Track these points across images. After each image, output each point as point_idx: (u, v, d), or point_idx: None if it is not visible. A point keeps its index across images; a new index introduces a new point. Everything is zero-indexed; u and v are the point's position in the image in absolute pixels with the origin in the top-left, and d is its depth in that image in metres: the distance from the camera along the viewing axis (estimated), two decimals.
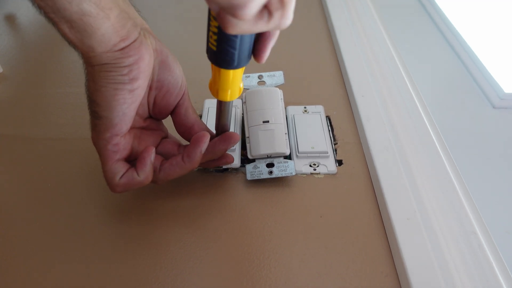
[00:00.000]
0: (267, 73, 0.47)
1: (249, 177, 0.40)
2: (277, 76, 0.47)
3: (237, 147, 0.44)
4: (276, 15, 0.24)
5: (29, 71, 0.57)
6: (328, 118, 0.49)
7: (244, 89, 0.45)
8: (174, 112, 0.36)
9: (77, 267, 0.34)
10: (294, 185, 0.41)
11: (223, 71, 0.30)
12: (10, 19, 0.70)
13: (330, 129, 0.48)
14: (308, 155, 0.43)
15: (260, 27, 0.25)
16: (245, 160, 0.43)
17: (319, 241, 0.36)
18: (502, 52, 0.68)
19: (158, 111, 0.36)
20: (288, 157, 0.42)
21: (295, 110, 0.49)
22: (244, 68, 0.30)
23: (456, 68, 0.67)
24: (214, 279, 0.33)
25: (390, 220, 0.36)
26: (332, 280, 0.33)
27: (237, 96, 0.33)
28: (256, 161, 0.41)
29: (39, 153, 0.44)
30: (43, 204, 0.39)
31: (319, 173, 0.42)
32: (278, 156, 0.41)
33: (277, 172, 0.40)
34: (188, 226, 0.37)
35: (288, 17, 0.25)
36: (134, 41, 0.30)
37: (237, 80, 0.31)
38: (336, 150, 0.45)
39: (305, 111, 0.49)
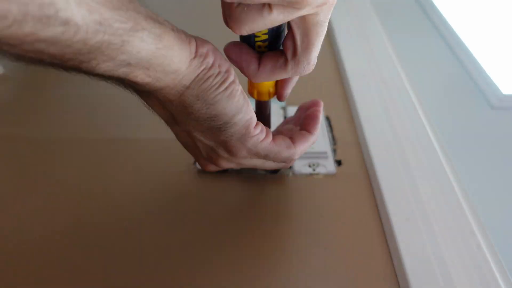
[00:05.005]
0: None
1: None
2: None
3: None
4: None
5: (30, 72, 0.57)
6: (327, 118, 0.49)
7: None
8: None
9: (75, 272, 0.34)
10: (293, 185, 0.41)
11: None
12: None
13: (329, 129, 0.48)
14: (307, 155, 0.43)
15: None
16: None
17: (318, 241, 0.36)
18: (501, 53, 0.68)
19: None
20: None
21: (294, 111, 0.49)
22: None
23: (454, 69, 0.67)
24: (213, 280, 0.33)
25: (389, 221, 0.36)
26: (331, 281, 0.33)
27: (266, 98, 0.36)
28: None
29: (40, 153, 0.45)
30: (43, 204, 0.39)
31: (318, 174, 0.42)
32: None
33: None
34: (186, 228, 0.37)
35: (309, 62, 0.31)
36: (195, 38, 0.26)
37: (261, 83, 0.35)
38: (335, 151, 0.45)
39: None
